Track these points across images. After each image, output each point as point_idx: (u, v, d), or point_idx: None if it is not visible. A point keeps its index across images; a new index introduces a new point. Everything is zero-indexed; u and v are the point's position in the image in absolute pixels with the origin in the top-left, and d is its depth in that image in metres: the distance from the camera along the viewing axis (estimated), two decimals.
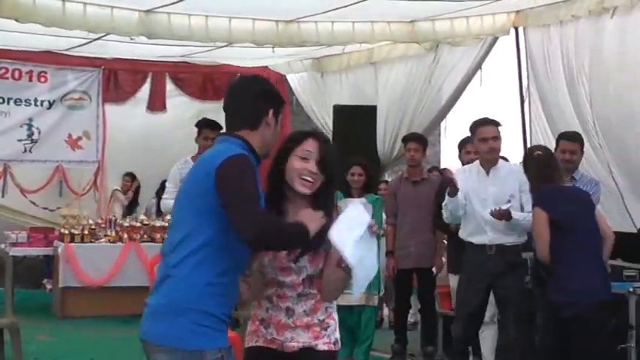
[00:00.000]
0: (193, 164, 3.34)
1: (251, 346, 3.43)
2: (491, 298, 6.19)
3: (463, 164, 6.99)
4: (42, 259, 10.91)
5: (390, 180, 9.52)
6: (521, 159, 6.29)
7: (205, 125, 7.64)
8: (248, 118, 3.28)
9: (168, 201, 7.63)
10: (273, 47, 9.15)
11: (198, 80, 11.79)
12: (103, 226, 9.97)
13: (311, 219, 3.19)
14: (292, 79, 11.90)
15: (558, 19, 8.09)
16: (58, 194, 10.97)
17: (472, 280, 6.10)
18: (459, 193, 5.99)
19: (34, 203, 10.82)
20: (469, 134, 6.39)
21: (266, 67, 11.28)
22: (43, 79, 10.86)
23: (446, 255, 7.55)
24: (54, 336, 8.55)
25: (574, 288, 5.17)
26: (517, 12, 8.67)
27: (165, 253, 3.21)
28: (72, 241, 9.55)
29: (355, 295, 6.64)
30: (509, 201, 5.93)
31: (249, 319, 3.52)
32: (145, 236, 9.78)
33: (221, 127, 7.44)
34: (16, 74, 10.70)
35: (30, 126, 10.82)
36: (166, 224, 9.66)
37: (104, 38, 9.01)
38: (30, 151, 10.83)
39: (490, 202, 6.02)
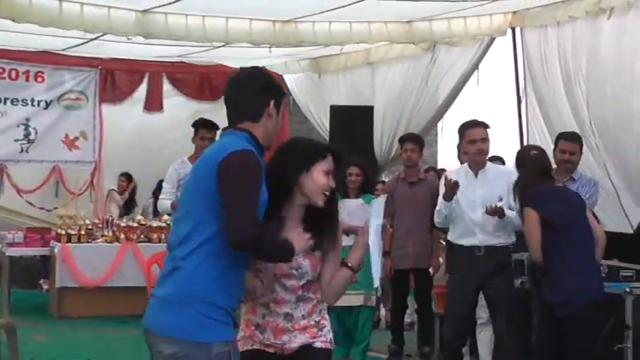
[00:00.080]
0: (198, 159, 3.32)
1: (247, 350, 3.42)
2: None
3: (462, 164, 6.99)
4: (39, 259, 10.89)
5: (386, 180, 9.53)
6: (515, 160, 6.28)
7: (202, 125, 7.63)
8: (249, 111, 3.29)
9: (165, 201, 7.62)
10: (270, 47, 9.16)
11: (195, 80, 11.78)
12: (99, 226, 9.96)
13: (299, 238, 3.26)
14: (289, 80, 11.90)
15: (555, 19, 8.10)
16: (54, 194, 10.94)
17: (462, 281, 6.13)
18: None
19: (30, 203, 10.80)
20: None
21: (263, 67, 11.23)
22: (40, 79, 10.84)
23: (443, 255, 7.55)
24: (51, 336, 8.54)
25: (569, 287, 5.17)
26: (514, 12, 8.68)
27: (173, 246, 3.20)
28: (69, 241, 9.54)
29: (355, 296, 6.70)
30: (500, 199, 5.94)
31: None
32: (142, 236, 9.77)
33: (218, 128, 7.46)
34: (13, 74, 10.67)
35: (27, 126, 10.80)
36: (163, 224, 9.68)
37: (101, 38, 9.00)
38: (27, 151, 10.81)
39: (479, 204, 6.02)
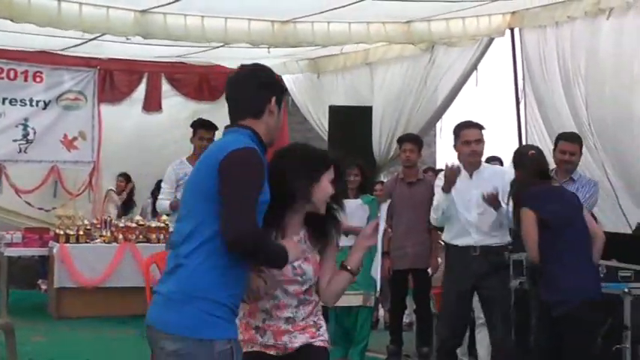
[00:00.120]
0: (201, 156, 3.31)
1: (247, 352, 3.42)
2: None
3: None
4: (37, 259, 10.89)
5: (385, 181, 9.53)
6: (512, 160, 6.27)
7: (200, 125, 7.63)
8: (251, 108, 3.29)
9: (163, 201, 7.62)
10: (268, 48, 9.15)
11: (193, 80, 11.79)
12: (98, 226, 9.96)
13: (294, 248, 3.30)
14: (288, 80, 11.88)
15: (554, 20, 8.10)
16: (53, 194, 10.95)
17: (457, 281, 6.15)
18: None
19: (29, 203, 10.81)
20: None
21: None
22: (38, 79, 10.84)
23: (442, 256, 7.54)
24: (49, 337, 8.53)
25: (565, 287, 5.18)
26: (513, 13, 8.67)
27: (176, 244, 3.20)
28: (67, 241, 9.53)
29: (354, 296, 6.69)
30: (496, 190, 5.95)
31: None
32: (141, 237, 9.75)
33: (216, 128, 7.46)
34: (12, 74, 10.68)
35: (25, 126, 10.80)
36: (162, 225, 9.67)
37: (100, 38, 9.00)
38: (25, 152, 10.82)
39: (474, 204, 6.06)
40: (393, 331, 7.86)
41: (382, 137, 10.43)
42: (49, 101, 10.92)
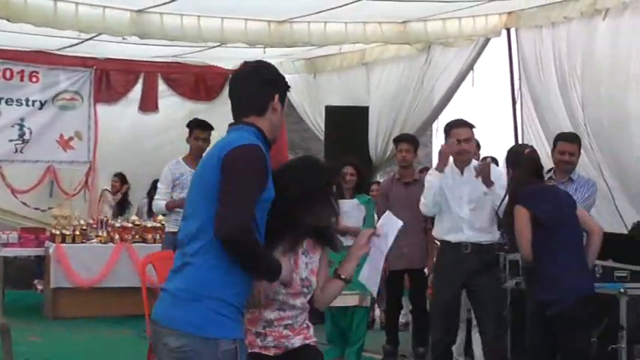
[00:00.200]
0: (204, 154, 3.30)
1: (247, 353, 3.43)
2: None
3: None
4: (33, 259, 10.87)
5: (381, 181, 9.53)
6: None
7: (196, 125, 7.62)
8: (254, 105, 3.27)
9: (160, 201, 7.61)
10: (265, 48, 9.15)
11: (190, 80, 11.77)
12: (94, 226, 9.95)
13: (287, 267, 3.33)
14: None
15: (550, 20, 8.11)
16: (49, 195, 10.92)
17: (448, 278, 6.18)
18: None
19: (25, 204, 10.78)
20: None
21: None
22: (34, 79, 10.82)
23: None
24: (45, 337, 8.52)
25: (560, 286, 5.19)
26: (509, 13, 8.69)
27: (183, 242, 3.19)
28: (63, 241, 9.53)
29: (350, 297, 6.69)
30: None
31: None
32: (137, 237, 9.76)
33: (212, 128, 7.46)
34: (8, 74, 10.65)
35: (21, 126, 10.78)
36: (158, 225, 9.66)
37: (96, 38, 8.99)
38: (21, 152, 10.79)
39: (465, 200, 6.13)
40: (389, 331, 7.86)
41: (378, 137, 10.44)
42: (45, 101, 10.90)
